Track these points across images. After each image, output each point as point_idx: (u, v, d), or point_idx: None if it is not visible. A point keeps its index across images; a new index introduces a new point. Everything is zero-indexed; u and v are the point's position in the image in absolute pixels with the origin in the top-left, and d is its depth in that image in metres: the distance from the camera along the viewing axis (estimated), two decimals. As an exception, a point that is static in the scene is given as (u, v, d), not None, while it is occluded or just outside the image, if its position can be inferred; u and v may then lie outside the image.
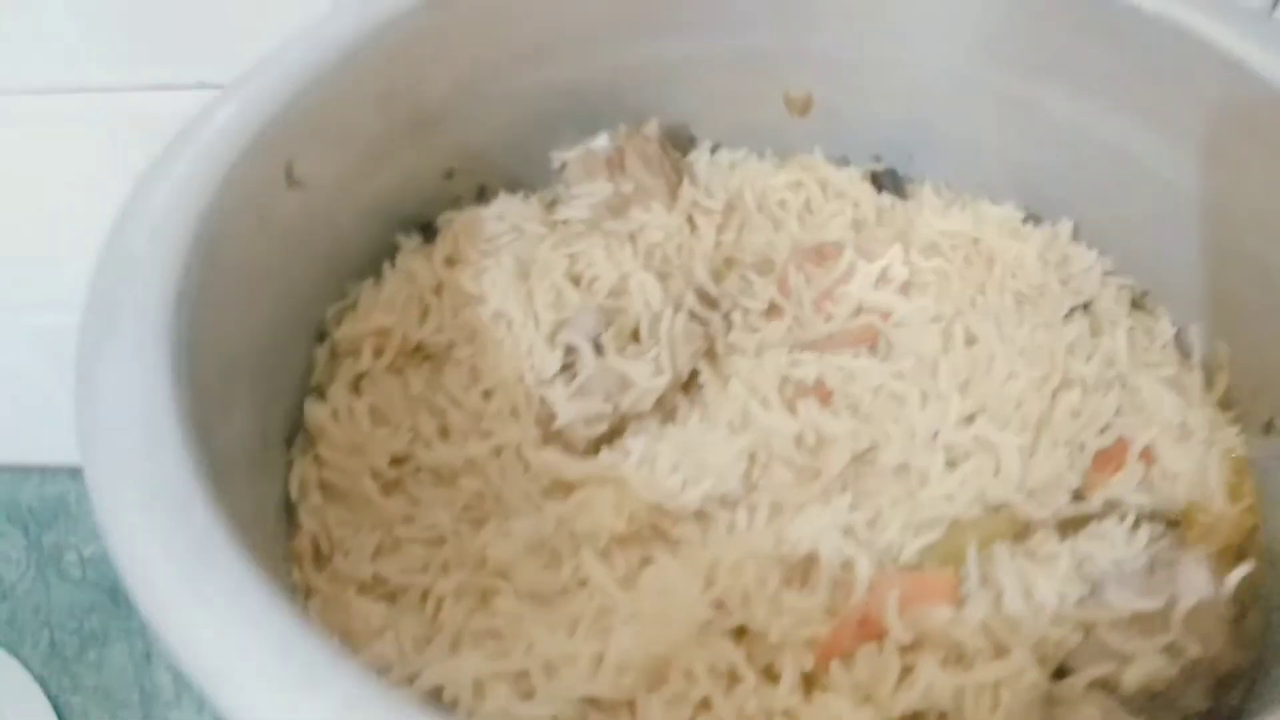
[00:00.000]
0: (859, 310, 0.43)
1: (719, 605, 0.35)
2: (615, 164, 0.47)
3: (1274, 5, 0.45)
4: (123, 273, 0.31)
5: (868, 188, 0.48)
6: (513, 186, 0.49)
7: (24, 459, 0.78)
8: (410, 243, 0.46)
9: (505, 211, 0.47)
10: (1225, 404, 0.41)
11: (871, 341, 0.42)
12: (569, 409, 0.40)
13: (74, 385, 0.28)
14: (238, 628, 0.25)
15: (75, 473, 0.78)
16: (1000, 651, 0.34)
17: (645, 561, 0.37)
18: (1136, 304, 0.45)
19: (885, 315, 0.42)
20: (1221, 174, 0.39)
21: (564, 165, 0.49)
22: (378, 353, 0.42)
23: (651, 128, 0.49)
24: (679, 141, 0.51)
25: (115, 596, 0.75)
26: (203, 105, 0.36)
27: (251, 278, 0.37)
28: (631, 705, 0.33)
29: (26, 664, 0.66)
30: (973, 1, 0.42)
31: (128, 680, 0.64)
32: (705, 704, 0.33)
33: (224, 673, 0.24)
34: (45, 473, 0.78)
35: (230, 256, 0.35)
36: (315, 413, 0.40)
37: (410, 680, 0.34)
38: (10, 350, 0.71)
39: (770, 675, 0.34)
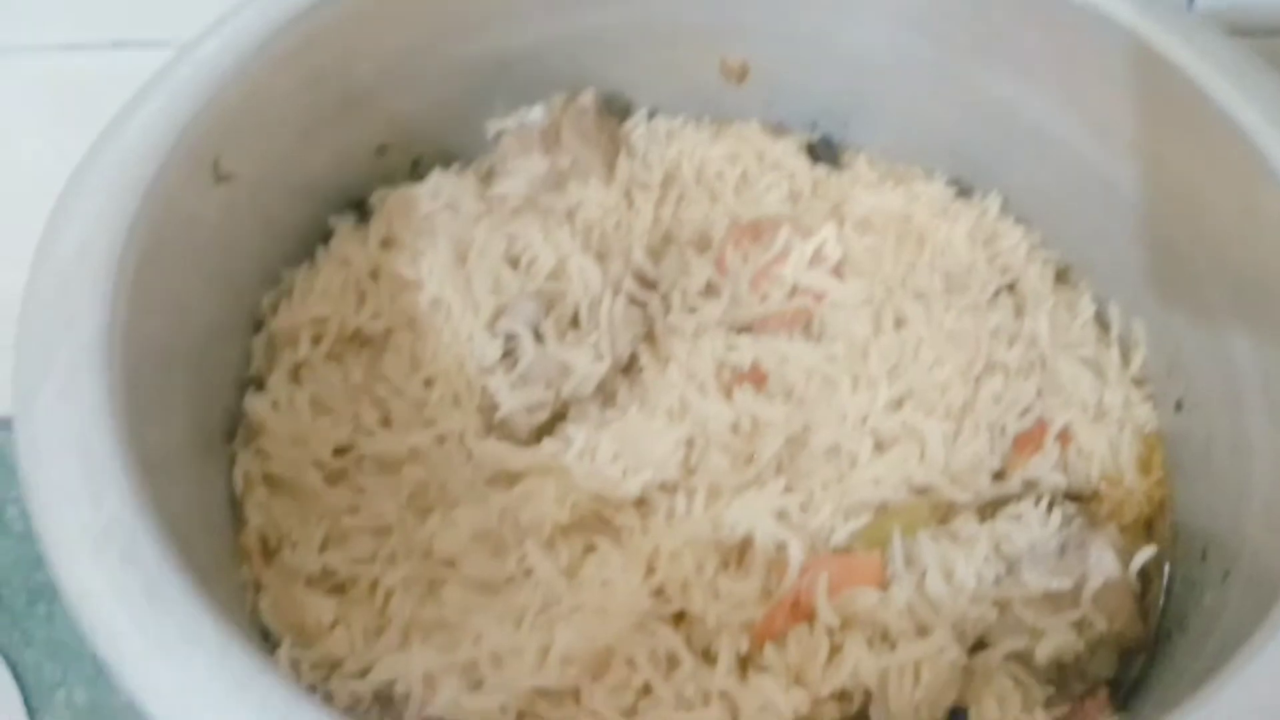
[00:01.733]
0: (794, 291, 0.44)
1: (659, 592, 0.37)
2: (551, 138, 0.47)
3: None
4: (52, 299, 0.31)
5: (803, 159, 0.48)
6: (447, 158, 0.48)
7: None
8: (344, 224, 0.45)
9: (440, 188, 0.46)
10: (1140, 380, 0.43)
11: (805, 322, 0.43)
12: (511, 398, 0.40)
13: (15, 430, 0.28)
14: (195, 671, 0.25)
15: (5, 423, 0.77)
16: (923, 631, 0.36)
17: (588, 549, 0.38)
18: (1061, 277, 0.46)
19: (819, 297, 0.43)
20: (1140, 160, 0.41)
21: (499, 135, 0.48)
22: (316, 341, 0.42)
23: (587, 98, 0.48)
24: (615, 108, 0.50)
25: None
26: (121, 105, 0.35)
27: (184, 277, 0.37)
28: (576, 694, 0.35)
29: (-26, 621, 0.66)
30: (909, -21, 0.42)
31: (79, 633, 0.64)
32: (646, 689, 0.35)
33: (184, 717, 0.25)
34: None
35: (161, 261, 0.35)
36: (255, 405, 0.40)
37: (363, 674, 0.35)
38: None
39: (708, 658, 0.36)
